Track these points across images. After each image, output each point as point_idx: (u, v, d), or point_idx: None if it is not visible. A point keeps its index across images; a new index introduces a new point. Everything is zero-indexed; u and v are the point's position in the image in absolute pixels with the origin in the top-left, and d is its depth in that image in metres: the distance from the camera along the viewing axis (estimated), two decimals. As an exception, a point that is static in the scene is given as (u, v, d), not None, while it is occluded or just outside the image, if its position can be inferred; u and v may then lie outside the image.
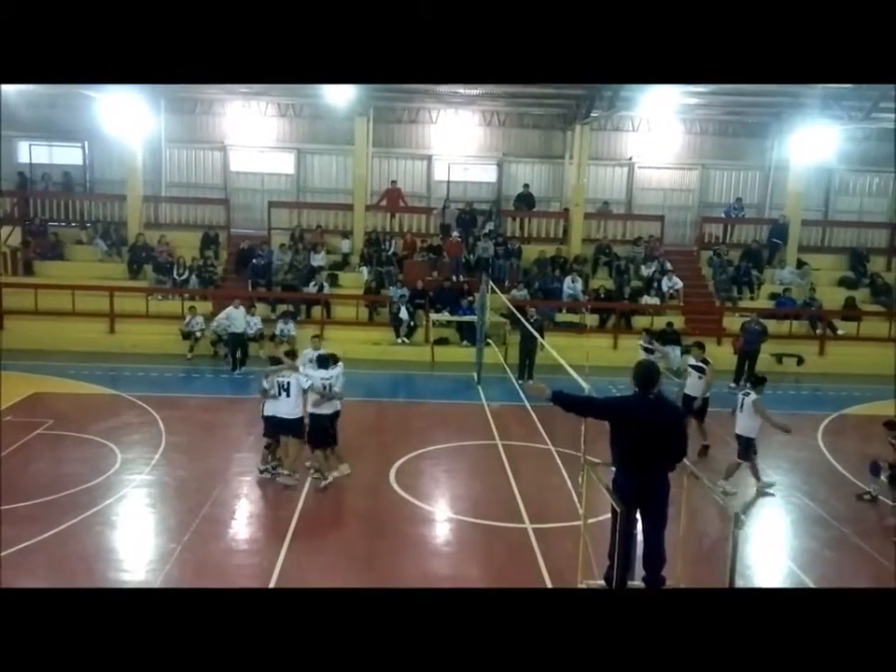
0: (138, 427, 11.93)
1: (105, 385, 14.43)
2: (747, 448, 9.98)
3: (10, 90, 18.10)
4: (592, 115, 19.73)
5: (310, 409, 9.67)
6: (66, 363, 15.60)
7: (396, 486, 9.90)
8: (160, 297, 18.63)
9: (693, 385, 11.51)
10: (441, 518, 9.19)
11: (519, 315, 14.60)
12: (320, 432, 9.73)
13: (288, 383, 9.47)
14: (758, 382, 10.18)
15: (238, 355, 16.28)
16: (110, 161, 21.82)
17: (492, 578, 7.60)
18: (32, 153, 22.26)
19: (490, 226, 21.16)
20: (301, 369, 9.86)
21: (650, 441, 6.22)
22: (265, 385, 9.70)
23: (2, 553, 7.55)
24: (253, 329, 17.07)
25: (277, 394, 9.51)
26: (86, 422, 11.92)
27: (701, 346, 11.91)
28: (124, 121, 18.50)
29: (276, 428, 9.72)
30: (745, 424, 9.96)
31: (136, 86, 18.46)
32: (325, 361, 9.89)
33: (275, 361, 10.02)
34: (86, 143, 22.20)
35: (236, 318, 16.36)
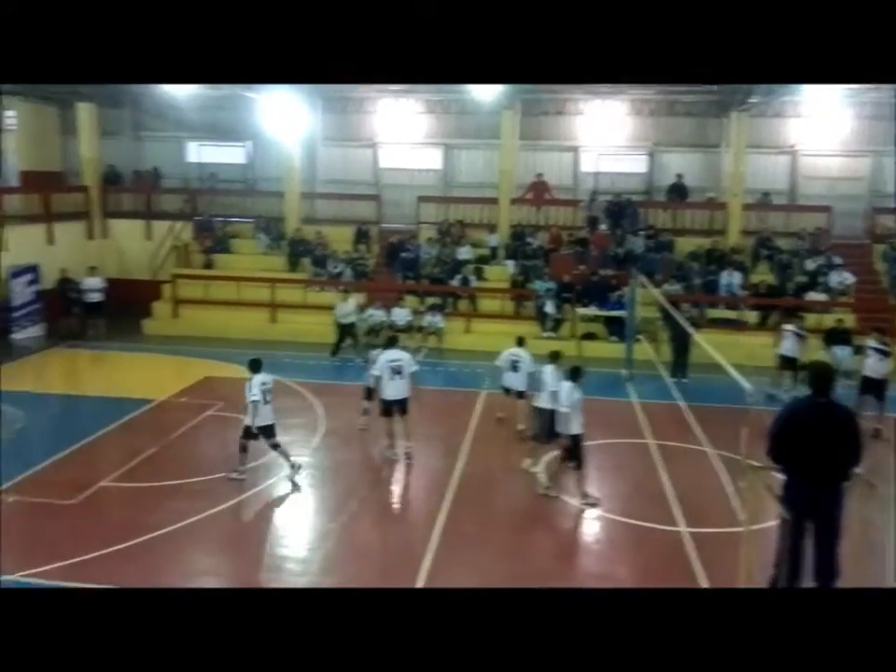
0: (297, 412, 12.53)
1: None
2: None
3: (181, 94, 19.50)
4: (750, 100, 18.72)
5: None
6: (234, 349, 16.56)
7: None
8: (317, 288, 19.49)
9: (874, 367, 11.65)
10: (591, 516, 9.06)
11: (672, 311, 14.08)
12: None
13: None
14: None
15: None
16: (270, 160, 22.95)
17: (642, 579, 7.41)
18: (201, 153, 23.94)
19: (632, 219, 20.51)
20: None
21: (821, 448, 5.88)
22: (375, 371, 10.49)
23: (177, 525, 8.22)
24: (403, 320, 17.57)
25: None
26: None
27: (881, 330, 12.16)
28: (283, 121, 19.43)
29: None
30: None
31: (295, 86, 19.35)
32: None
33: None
34: (249, 143, 23.55)
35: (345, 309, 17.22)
